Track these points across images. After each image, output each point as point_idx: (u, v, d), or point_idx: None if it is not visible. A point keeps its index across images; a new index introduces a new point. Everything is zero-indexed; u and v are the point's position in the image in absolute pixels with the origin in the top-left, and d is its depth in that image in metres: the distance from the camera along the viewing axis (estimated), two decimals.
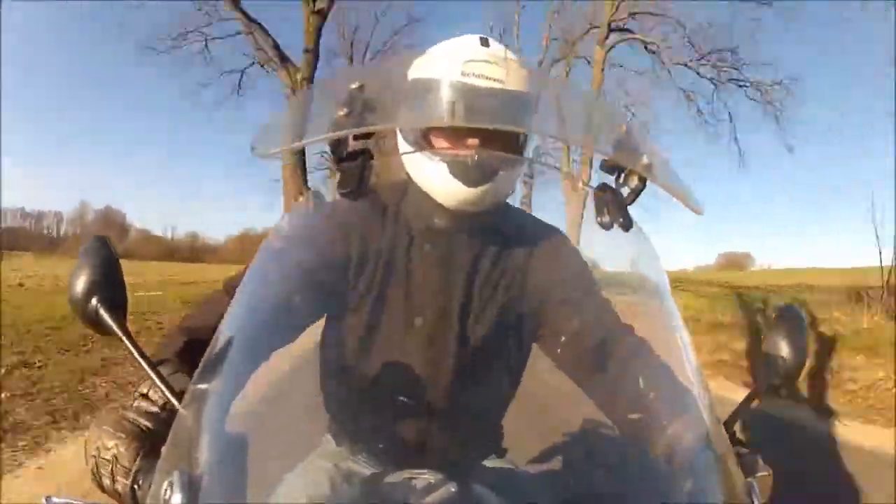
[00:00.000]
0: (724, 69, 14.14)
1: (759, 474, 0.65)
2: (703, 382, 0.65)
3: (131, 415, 0.65)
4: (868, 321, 6.54)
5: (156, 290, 10.51)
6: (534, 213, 0.97)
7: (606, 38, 14.45)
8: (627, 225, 0.66)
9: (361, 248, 0.84)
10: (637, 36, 14.73)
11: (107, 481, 0.60)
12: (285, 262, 0.75)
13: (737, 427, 0.70)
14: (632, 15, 14.43)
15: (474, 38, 0.83)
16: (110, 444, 0.61)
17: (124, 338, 0.64)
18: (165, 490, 0.50)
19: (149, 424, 0.64)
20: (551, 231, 0.93)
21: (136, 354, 0.63)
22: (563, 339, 0.84)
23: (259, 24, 12.87)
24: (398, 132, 0.83)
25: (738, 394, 0.86)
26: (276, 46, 12.88)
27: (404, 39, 16.59)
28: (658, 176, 0.62)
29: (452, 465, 0.75)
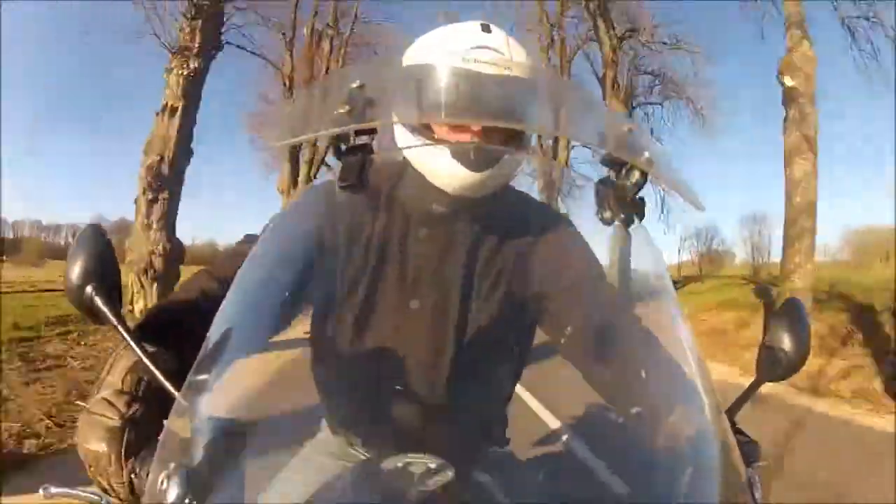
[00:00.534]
0: None
1: (758, 464, 0.66)
2: (705, 373, 0.65)
3: (122, 402, 0.63)
4: None
5: None
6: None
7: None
8: (628, 220, 0.66)
9: (355, 233, 0.83)
10: None
11: (100, 471, 0.60)
12: (278, 250, 0.74)
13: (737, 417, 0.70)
14: None
15: (475, 25, 0.81)
16: (102, 432, 0.60)
17: (118, 325, 0.64)
18: (162, 482, 0.50)
19: (143, 412, 0.62)
20: (555, 216, 0.92)
21: (131, 343, 0.63)
22: (568, 326, 0.83)
23: None
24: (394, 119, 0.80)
25: None
26: None
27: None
28: (660, 171, 0.62)
29: (451, 451, 0.74)
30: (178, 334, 0.68)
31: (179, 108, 7.91)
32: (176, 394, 0.59)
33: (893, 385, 6.07)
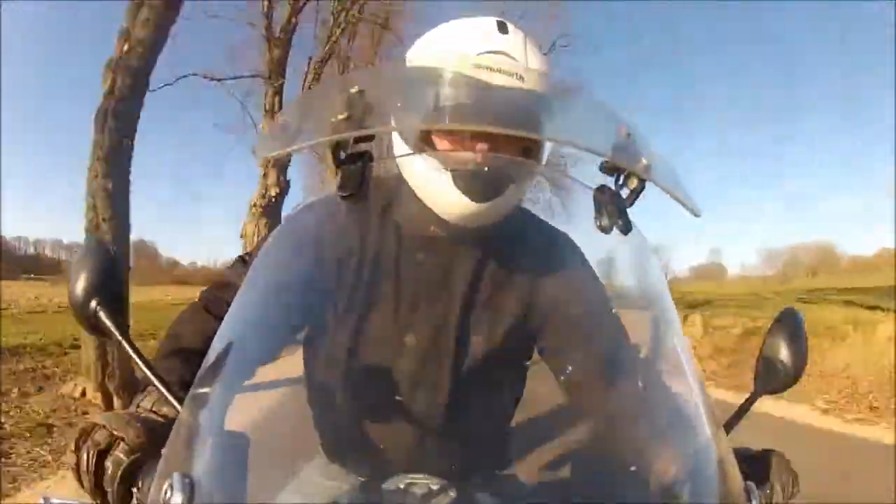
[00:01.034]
0: None
1: (774, 476, 0.65)
2: (702, 386, 0.65)
3: (139, 412, 0.65)
4: None
5: None
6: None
7: None
8: (627, 228, 0.65)
9: (352, 254, 0.80)
10: None
11: (95, 455, 0.59)
12: (277, 268, 0.73)
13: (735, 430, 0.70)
14: None
15: (491, 22, 0.75)
16: (117, 426, 0.60)
17: (124, 341, 0.64)
18: (165, 492, 0.50)
19: (153, 426, 0.63)
20: (559, 238, 0.87)
21: (135, 358, 0.63)
22: (568, 362, 0.80)
23: None
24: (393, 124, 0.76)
25: None
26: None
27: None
28: (658, 177, 0.61)
29: (452, 474, 0.73)
30: (181, 373, 0.70)
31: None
32: (179, 407, 0.59)
33: None
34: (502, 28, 0.75)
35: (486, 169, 0.72)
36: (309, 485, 0.84)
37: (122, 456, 0.59)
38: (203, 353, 0.62)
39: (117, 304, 0.66)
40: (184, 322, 0.86)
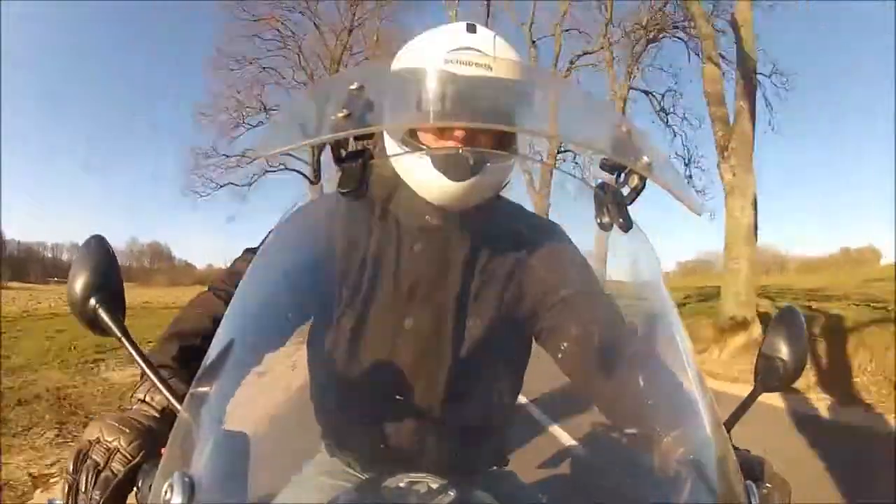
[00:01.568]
0: None
1: (768, 481, 0.65)
2: (702, 383, 0.65)
3: (134, 415, 0.65)
4: None
5: None
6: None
7: None
8: (627, 226, 0.65)
9: (351, 248, 0.82)
10: None
11: (94, 473, 0.59)
12: (277, 264, 0.74)
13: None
14: None
15: (461, 25, 0.79)
16: (112, 437, 0.61)
17: (123, 339, 0.64)
18: (165, 491, 0.50)
19: (151, 425, 0.64)
20: (548, 226, 0.90)
21: (135, 355, 0.63)
22: (565, 340, 0.82)
23: None
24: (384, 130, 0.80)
25: None
26: None
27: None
28: (658, 175, 0.61)
29: (452, 471, 0.74)
30: (188, 360, 0.69)
31: None
32: (178, 407, 0.59)
33: None
34: (471, 28, 0.79)
35: (460, 151, 0.75)
36: (310, 482, 0.84)
37: (119, 467, 0.60)
38: (209, 333, 0.63)
39: (116, 301, 0.66)
40: (192, 307, 0.87)
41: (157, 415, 0.67)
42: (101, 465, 0.60)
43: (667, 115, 17.43)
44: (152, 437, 0.63)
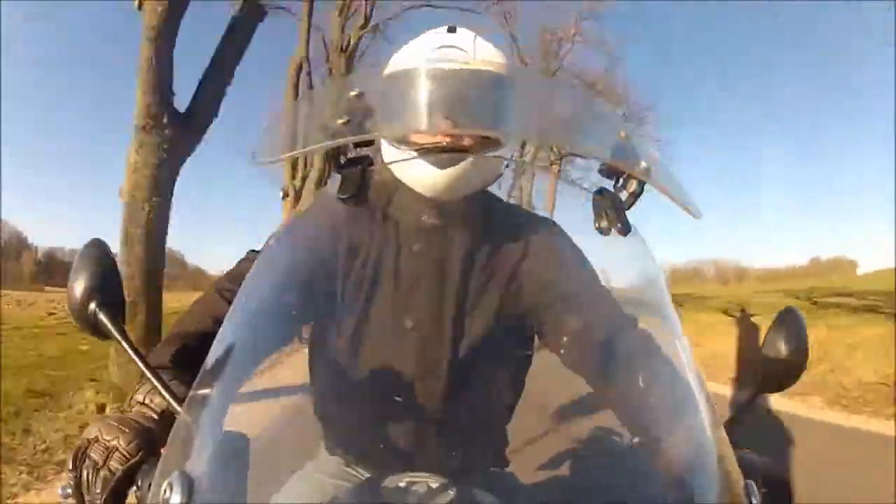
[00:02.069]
0: None
1: (773, 481, 0.65)
2: (703, 384, 0.65)
3: (133, 416, 0.66)
4: None
5: None
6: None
7: None
8: (626, 230, 0.66)
9: (350, 251, 0.83)
10: None
11: (94, 471, 0.60)
12: (278, 267, 0.75)
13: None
14: None
15: (442, 28, 0.82)
16: (110, 436, 0.62)
17: (123, 342, 0.65)
18: (165, 490, 0.51)
19: (150, 425, 0.65)
20: (545, 223, 0.91)
21: (135, 358, 0.64)
22: (566, 336, 0.82)
23: None
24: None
25: None
26: None
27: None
28: (657, 180, 0.62)
29: (452, 471, 0.73)
30: (190, 361, 0.69)
31: None
32: (178, 408, 0.60)
33: None
34: (451, 30, 0.82)
35: (445, 142, 0.76)
36: (309, 482, 0.85)
37: (117, 466, 0.61)
38: (211, 334, 0.64)
39: (116, 305, 0.67)
40: (196, 306, 0.88)
41: (155, 416, 0.68)
42: (100, 463, 0.61)
43: None
44: (151, 437, 0.64)
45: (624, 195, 0.66)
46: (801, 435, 4.29)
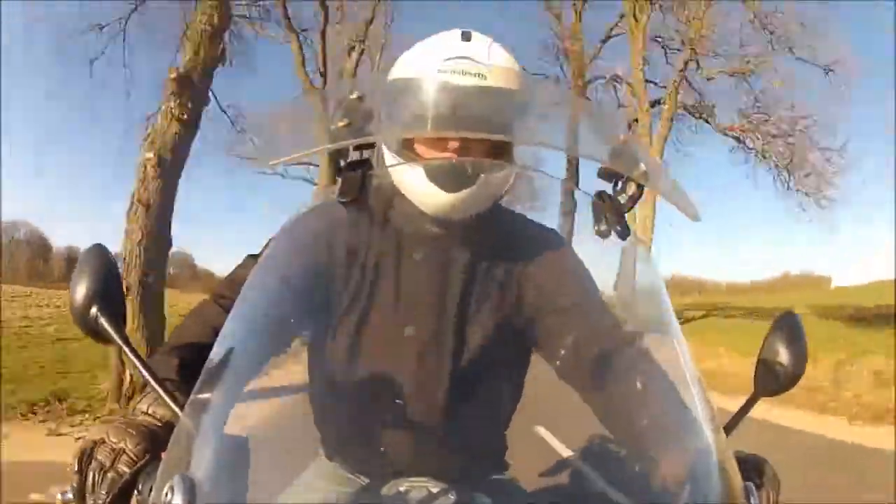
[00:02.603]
0: None
1: (765, 480, 0.66)
2: (702, 389, 0.65)
3: (140, 420, 0.66)
4: None
5: None
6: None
7: None
8: (625, 233, 0.66)
9: (349, 256, 0.82)
10: None
11: (100, 473, 0.60)
12: (278, 271, 0.75)
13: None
14: None
15: (456, 33, 0.79)
16: (117, 438, 0.62)
17: (124, 346, 0.65)
18: (166, 493, 0.51)
19: (155, 430, 0.65)
20: (548, 234, 0.90)
21: (137, 363, 0.64)
22: (563, 348, 0.82)
23: None
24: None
25: None
26: None
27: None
28: (656, 183, 0.62)
29: (452, 477, 0.73)
30: (189, 369, 0.69)
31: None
32: (179, 412, 0.60)
33: None
34: (465, 37, 0.78)
35: (454, 163, 0.75)
36: (309, 488, 0.84)
37: (125, 468, 0.61)
38: (210, 345, 0.63)
39: (117, 309, 0.67)
40: (193, 316, 0.87)
41: (156, 421, 0.68)
42: (107, 465, 0.60)
43: None
44: (156, 441, 0.64)
45: (623, 198, 0.66)
46: None
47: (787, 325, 0.77)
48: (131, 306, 5.54)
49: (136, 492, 0.60)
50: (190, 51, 6.43)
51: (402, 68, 0.79)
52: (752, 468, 0.66)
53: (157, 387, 0.63)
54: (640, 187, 0.64)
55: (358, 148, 0.63)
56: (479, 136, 0.73)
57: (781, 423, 5.44)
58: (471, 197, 0.76)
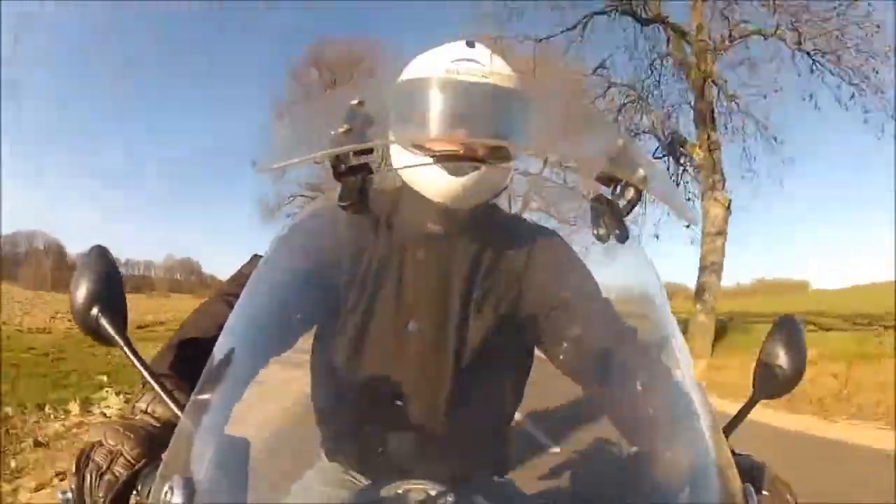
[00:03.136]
0: None
1: (765, 483, 0.66)
2: (701, 391, 0.65)
3: (136, 422, 0.66)
4: None
5: None
6: None
7: None
8: (623, 237, 0.66)
9: (352, 257, 0.83)
10: None
11: (97, 476, 0.60)
12: (280, 272, 0.75)
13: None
14: None
15: (461, 42, 0.83)
16: (114, 441, 0.62)
17: (125, 347, 0.65)
18: (166, 494, 0.51)
19: (153, 431, 0.65)
20: (549, 234, 0.92)
21: (137, 364, 0.64)
22: (565, 345, 0.82)
23: None
24: (390, 138, 0.82)
25: None
26: None
27: None
28: (654, 187, 0.62)
29: (451, 478, 0.74)
30: (192, 368, 0.70)
31: None
32: (179, 413, 0.60)
33: None
34: (470, 44, 0.83)
35: (461, 150, 0.78)
36: (309, 489, 0.85)
37: (122, 470, 0.61)
38: (214, 341, 0.64)
39: (118, 310, 0.67)
40: (199, 313, 0.88)
41: (154, 421, 0.68)
42: (104, 468, 0.61)
43: None
44: (154, 443, 0.64)
45: (622, 203, 0.66)
46: None
47: (787, 329, 0.77)
48: None
49: (134, 492, 0.60)
50: None
51: (412, 71, 0.83)
52: (756, 472, 0.66)
53: (157, 387, 0.63)
54: (638, 192, 0.65)
55: (358, 153, 0.64)
56: (483, 141, 0.78)
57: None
58: (476, 183, 0.78)
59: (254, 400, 0.68)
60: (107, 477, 0.60)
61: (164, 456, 0.58)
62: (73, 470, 0.61)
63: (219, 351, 0.62)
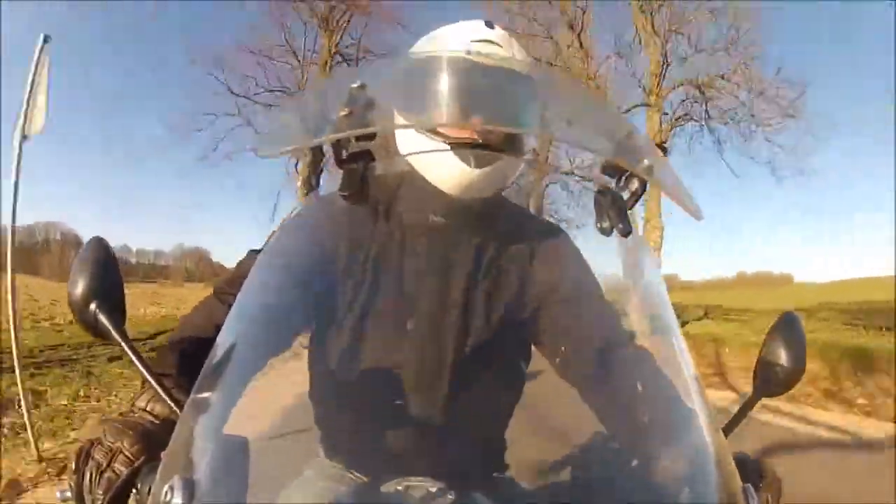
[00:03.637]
0: None
1: (765, 482, 0.65)
2: (700, 389, 0.65)
3: (136, 419, 0.66)
4: None
5: None
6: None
7: None
8: (626, 230, 0.65)
9: (352, 250, 0.82)
10: None
11: (97, 473, 0.60)
12: (279, 268, 0.74)
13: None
14: None
15: (479, 21, 0.81)
16: (114, 438, 0.62)
17: (123, 343, 0.64)
18: (165, 493, 0.50)
19: (152, 429, 0.65)
20: (552, 229, 0.90)
21: (134, 359, 0.63)
22: (562, 344, 0.82)
23: None
24: (396, 121, 0.79)
25: None
26: None
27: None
28: (659, 179, 0.61)
29: (451, 475, 0.73)
30: (191, 366, 0.69)
31: None
32: (178, 411, 0.60)
33: None
34: (489, 24, 0.81)
35: (479, 140, 0.75)
36: (308, 486, 0.84)
37: (121, 468, 0.60)
38: (212, 340, 0.63)
39: (116, 305, 0.66)
40: (197, 311, 0.87)
41: (153, 419, 0.68)
42: (104, 465, 0.60)
43: None
44: (154, 440, 0.63)
45: (626, 194, 0.65)
46: None
47: (787, 326, 0.77)
48: None
49: (134, 491, 0.60)
50: None
51: (424, 47, 0.81)
52: (752, 470, 0.66)
53: (156, 386, 0.63)
54: (642, 183, 0.63)
55: (359, 139, 0.62)
56: (497, 129, 0.75)
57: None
58: (493, 174, 0.77)
59: (254, 397, 0.68)
60: (106, 474, 0.60)
61: (163, 455, 0.58)
62: (73, 467, 0.60)
63: (218, 349, 0.62)
